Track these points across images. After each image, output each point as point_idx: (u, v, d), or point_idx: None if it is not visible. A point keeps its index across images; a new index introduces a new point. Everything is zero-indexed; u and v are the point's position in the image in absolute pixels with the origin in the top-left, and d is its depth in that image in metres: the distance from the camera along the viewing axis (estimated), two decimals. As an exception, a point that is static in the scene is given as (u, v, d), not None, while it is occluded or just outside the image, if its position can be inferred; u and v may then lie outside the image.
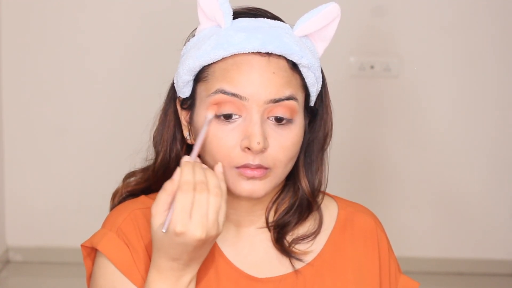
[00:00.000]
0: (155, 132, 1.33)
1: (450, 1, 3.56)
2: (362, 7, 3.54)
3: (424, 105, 3.62)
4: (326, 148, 1.32)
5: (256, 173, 1.21)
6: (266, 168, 1.21)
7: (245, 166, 1.20)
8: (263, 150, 1.20)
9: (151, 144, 1.33)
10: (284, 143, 1.22)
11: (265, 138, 1.19)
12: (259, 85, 1.20)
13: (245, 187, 1.22)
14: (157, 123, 1.33)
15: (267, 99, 1.20)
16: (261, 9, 1.30)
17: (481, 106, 3.62)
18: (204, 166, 1.18)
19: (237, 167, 1.21)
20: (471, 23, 3.56)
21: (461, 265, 3.69)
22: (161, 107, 1.33)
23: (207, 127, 1.20)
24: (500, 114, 3.62)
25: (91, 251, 1.29)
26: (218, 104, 1.20)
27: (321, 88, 1.30)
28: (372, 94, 3.64)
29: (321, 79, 1.29)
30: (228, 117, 1.20)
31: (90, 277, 1.29)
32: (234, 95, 1.20)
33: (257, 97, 1.19)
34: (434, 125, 3.63)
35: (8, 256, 3.67)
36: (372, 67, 3.59)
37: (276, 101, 1.20)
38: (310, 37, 1.27)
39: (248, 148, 1.19)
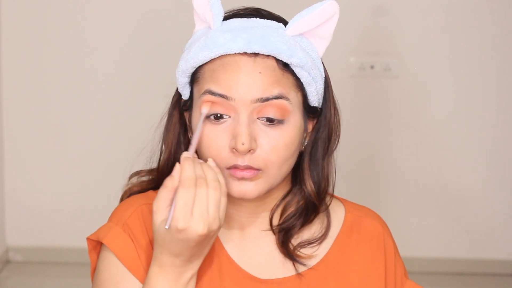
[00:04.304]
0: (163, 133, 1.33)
1: (450, 1, 3.56)
2: (362, 7, 3.53)
3: (424, 105, 3.61)
4: (333, 149, 1.31)
5: (245, 173, 1.20)
6: (257, 169, 1.20)
7: (235, 167, 1.20)
8: (251, 151, 1.19)
9: (156, 145, 1.33)
10: (276, 144, 1.21)
11: (252, 138, 1.19)
12: (245, 85, 1.19)
13: (236, 188, 1.21)
14: (163, 124, 1.32)
15: (253, 98, 1.19)
16: (261, 9, 1.28)
17: (481, 106, 3.62)
18: (201, 161, 1.18)
19: (228, 168, 1.21)
20: (471, 23, 3.56)
21: (461, 265, 3.68)
22: (168, 108, 1.33)
23: (202, 123, 1.20)
24: (500, 114, 3.62)
25: (97, 245, 1.29)
26: (208, 105, 1.20)
27: (325, 87, 1.29)
28: (372, 94, 3.64)
29: (322, 79, 1.27)
30: (218, 117, 1.20)
31: (94, 270, 1.29)
32: (221, 95, 1.20)
33: (244, 97, 1.19)
34: (434, 125, 3.63)
35: (8, 256, 3.66)
36: (372, 67, 3.59)
37: (264, 100, 1.19)
38: (307, 35, 1.25)
39: (236, 149, 1.19)
